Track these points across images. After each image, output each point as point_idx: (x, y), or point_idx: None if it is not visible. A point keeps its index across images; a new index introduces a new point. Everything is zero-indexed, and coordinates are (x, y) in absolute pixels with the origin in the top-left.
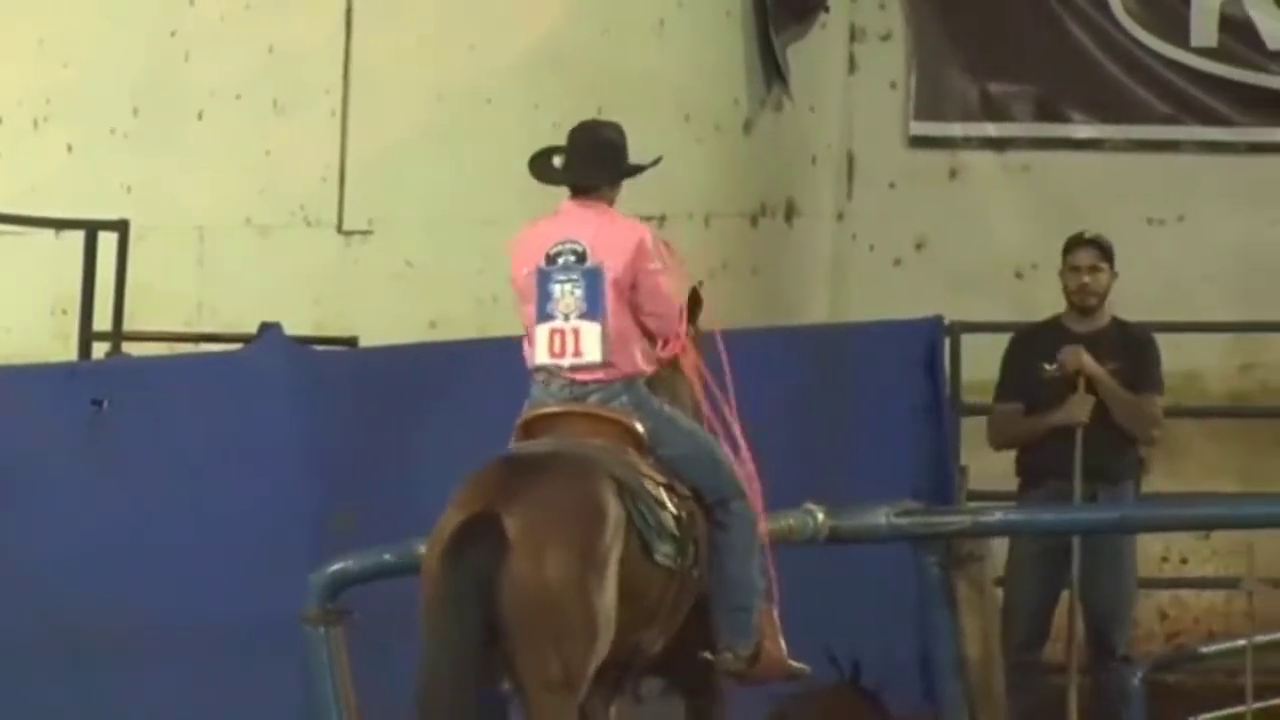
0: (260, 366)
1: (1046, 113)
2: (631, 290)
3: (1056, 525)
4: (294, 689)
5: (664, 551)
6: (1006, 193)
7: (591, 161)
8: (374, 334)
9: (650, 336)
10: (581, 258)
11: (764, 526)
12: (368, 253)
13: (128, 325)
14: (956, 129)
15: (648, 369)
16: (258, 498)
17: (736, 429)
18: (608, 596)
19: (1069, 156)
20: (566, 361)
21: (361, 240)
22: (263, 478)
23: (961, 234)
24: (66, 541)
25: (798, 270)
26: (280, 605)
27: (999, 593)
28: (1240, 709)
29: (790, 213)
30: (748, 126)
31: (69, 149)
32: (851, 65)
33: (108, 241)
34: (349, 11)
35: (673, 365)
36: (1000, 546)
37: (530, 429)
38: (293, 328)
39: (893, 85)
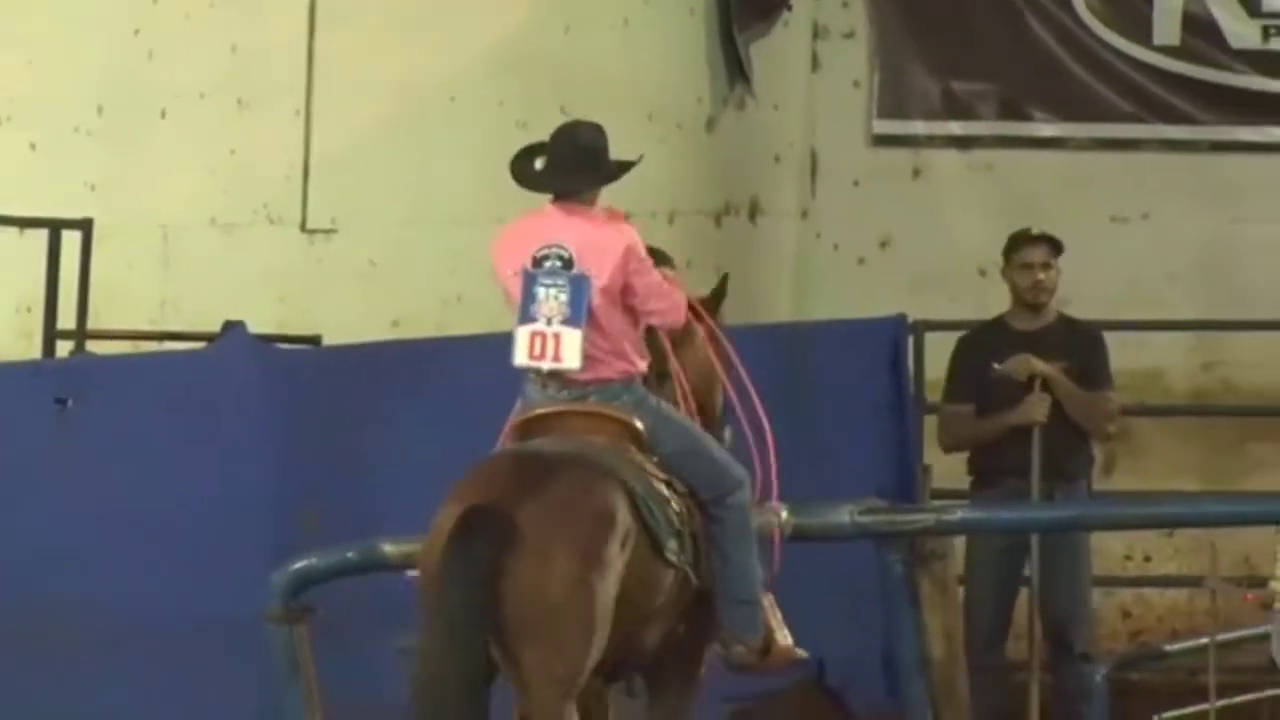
0: (224, 365)
1: (1010, 111)
2: (626, 293)
3: (1019, 523)
4: (258, 686)
5: (671, 548)
6: (970, 191)
7: (575, 166)
8: (338, 332)
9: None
10: (568, 264)
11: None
12: (331, 251)
13: (92, 324)
14: (920, 127)
15: (644, 368)
16: (221, 496)
17: (760, 410)
18: (609, 597)
19: (1032, 155)
20: (545, 365)
21: (325, 239)
22: (227, 476)
23: (925, 232)
24: (30, 540)
25: (761, 269)
26: (244, 603)
27: (962, 591)
28: (1203, 706)
29: (754, 211)
30: (711, 125)
31: (32, 147)
32: (815, 63)
33: (71, 240)
34: (312, 10)
35: (675, 351)
36: (961, 545)
37: (530, 428)
38: (257, 326)
39: (856, 84)
